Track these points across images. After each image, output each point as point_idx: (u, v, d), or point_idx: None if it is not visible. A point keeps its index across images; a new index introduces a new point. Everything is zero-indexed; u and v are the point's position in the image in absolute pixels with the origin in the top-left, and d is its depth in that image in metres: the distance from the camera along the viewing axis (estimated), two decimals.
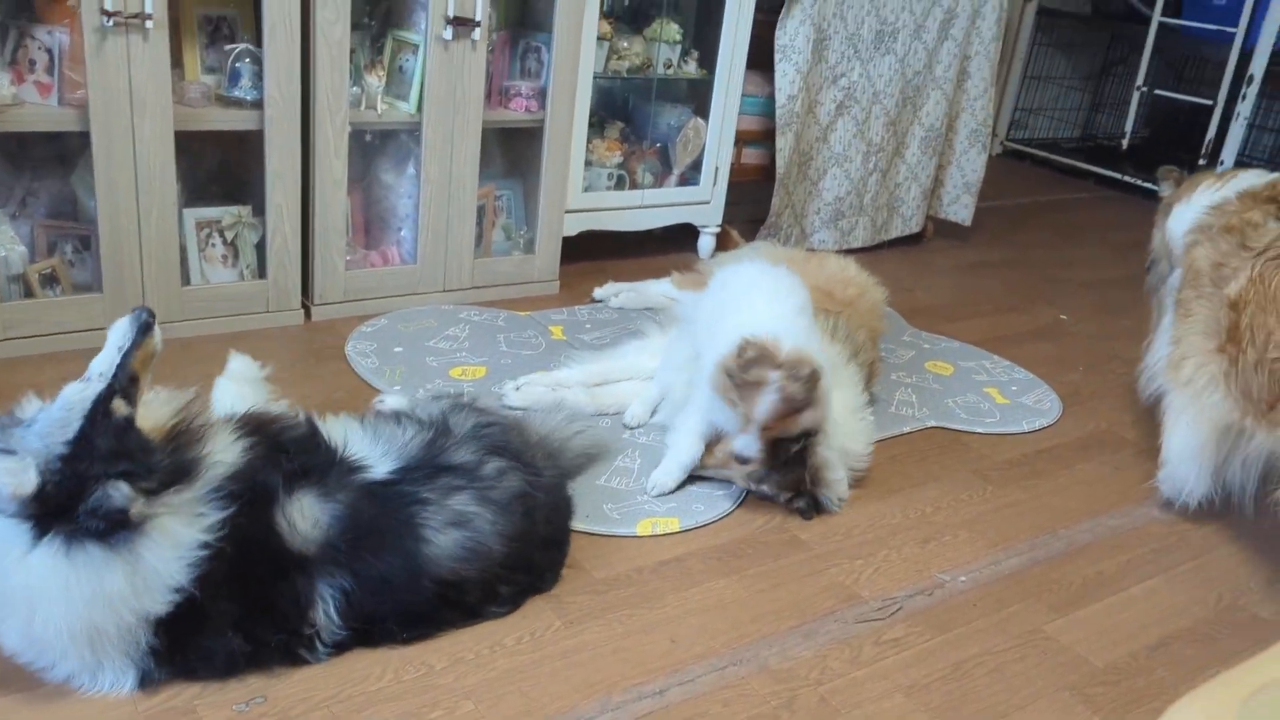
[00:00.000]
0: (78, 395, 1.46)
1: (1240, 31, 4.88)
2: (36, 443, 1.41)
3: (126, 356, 1.52)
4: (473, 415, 1.85)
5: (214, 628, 1.51)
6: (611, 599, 1.85)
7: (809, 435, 2.07)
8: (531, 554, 1.78)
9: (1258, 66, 4.83)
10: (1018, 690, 1.75)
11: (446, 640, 1.69)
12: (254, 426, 1.67)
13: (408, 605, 1.64)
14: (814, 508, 2.16)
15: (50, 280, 2.45)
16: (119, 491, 1.40)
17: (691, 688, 1.67)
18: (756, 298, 2.22)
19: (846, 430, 2.23)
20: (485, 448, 1.76)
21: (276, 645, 1.56)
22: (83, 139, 2.35)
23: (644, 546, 2.01)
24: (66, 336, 2.43)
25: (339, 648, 1.62)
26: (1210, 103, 5.07)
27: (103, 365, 1.52)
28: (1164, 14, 5.19)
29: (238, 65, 2.50)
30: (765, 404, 2.01)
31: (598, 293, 3.16)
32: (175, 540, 1.46)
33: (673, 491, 2.17)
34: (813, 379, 2.01)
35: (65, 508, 1.39)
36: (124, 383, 1.50)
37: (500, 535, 1.69)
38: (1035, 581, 2.06)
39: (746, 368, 2.02)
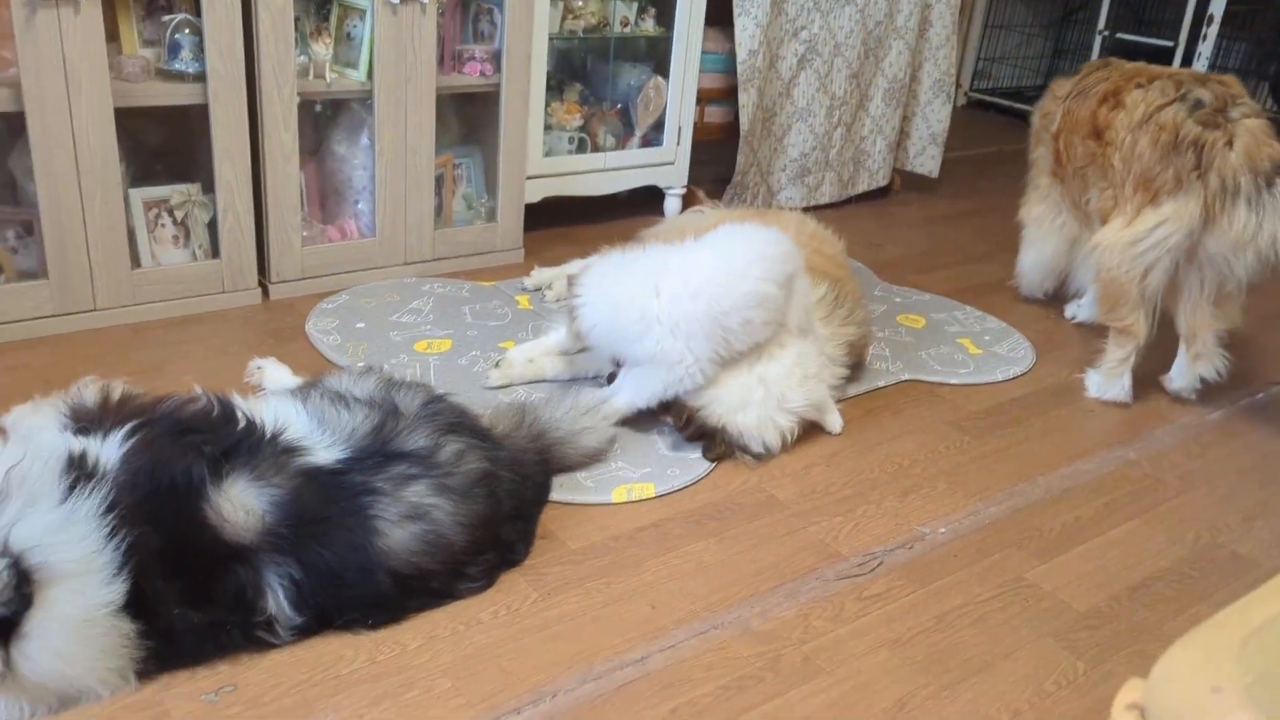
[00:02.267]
0: None
1: None
2: None
3: None
4: (418, 392, 1.78)
5: (166, 612, 1.45)
6: (588, 568, 1.81)
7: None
8: (498, 532, 1.73)
9: (1217, 6, 4.80)
10: (1001, 639, 1.74)
11: (420, 619, 1.65)
12: (129, 412, 1.59)
13: (366, 595, 1.57)
14: (715, 448, 2.17)
15: None
16: None
17: (673, 653, 1.64)
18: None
19: (788, 382, 2.20)
20: (439, 428, 1.69)
21: (231, 629, 1.50)
22: (17, 120, 2.25)
23: (620, 513, 1.98)
24: (11, 326, 2.35)
25: (304, 631, 1.57)
26: (1171, 44, 5.05)
27: None
28: None
29: (177, 37, 2.41)
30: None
31: (526, 282, 2.89)
32: (76, 566, 1.38)
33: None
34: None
35: None
36: None
37: (461, 525, 1.63)
38: (1015, 529, 2.04)
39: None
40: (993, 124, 5.63)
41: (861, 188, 3.97)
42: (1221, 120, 2.35)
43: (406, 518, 1.58)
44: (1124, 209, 2.46)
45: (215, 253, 2.59)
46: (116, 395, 1.71)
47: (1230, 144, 2.32)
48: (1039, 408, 2.54)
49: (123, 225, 2.42)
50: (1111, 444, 2.40)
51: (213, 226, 2.58)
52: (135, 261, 2.49)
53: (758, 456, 2.17)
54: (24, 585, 1.34)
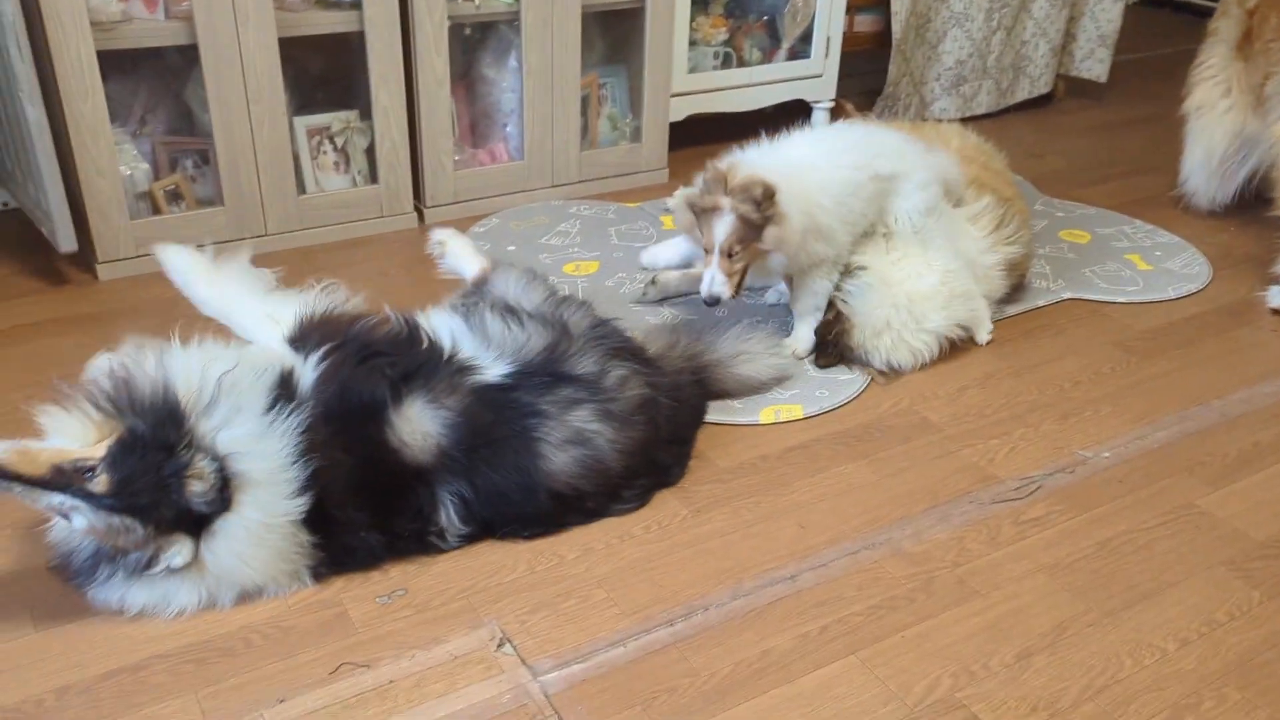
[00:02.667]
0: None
1: None
2: None
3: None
4: (585, 312, 1.81)
5: (348, 530, 1.55)
6: (738, 486, 1.83)
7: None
8: (655, 456, 1.76)
9: None
10: (1169, 567, 1.67)
11: (576, 531, 1.71)
12: (327, 331, 1.66)
13: (527, 512, 1.64)
14: (831, 355, 2.16)
15: (174, 196, 2.51)
16: (199, 481, 1.44)
17: (824, 572, 1.65)
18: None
19: (931, 303, 2.14)
20: (606, 353, 1.72)
21: (409, 536, 1.60)
22: (191, 52, 2.36)
23: (768, 434, 1.98)
24: None
25: (469, 539, 1.65)
26: None
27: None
28: None
29: None
30: (720, 229, 1.97)
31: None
32: (266, 477, 1.48)
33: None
34: (766, 196, 1.94)
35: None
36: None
37: (620, 452, 1.67)
38: (1185, 455, 1.95)
39: (702, 194, 1.99)
40: (1169, 23, 5.22)
41: (1021, 96, 3.77)
42: None
43: (569, 442, 1.64)
44: None
45: (373, 178, 2.68)
46: (323, 311, 1.78)
47: None
48: (1214, 327, 2.39)
49: (289, 152, 2.53)
50: None
51: (370, 152, 2.66)
52: (301, 188, 2.60)
53: (882, 374, 2.14)
54: (226, 489, 1.45)
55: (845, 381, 2.13)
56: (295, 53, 2.54)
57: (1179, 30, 5.08)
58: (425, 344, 1.68)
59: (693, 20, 3.14)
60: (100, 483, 1.41)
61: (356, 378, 1.59)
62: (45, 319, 2.27)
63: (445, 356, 1.66)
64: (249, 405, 1.51)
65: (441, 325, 1.73)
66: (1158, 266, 2.66)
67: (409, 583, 1.60)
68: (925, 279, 2.14)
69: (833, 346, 2.15)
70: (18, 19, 2.08)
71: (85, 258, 2.45)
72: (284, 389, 1.55)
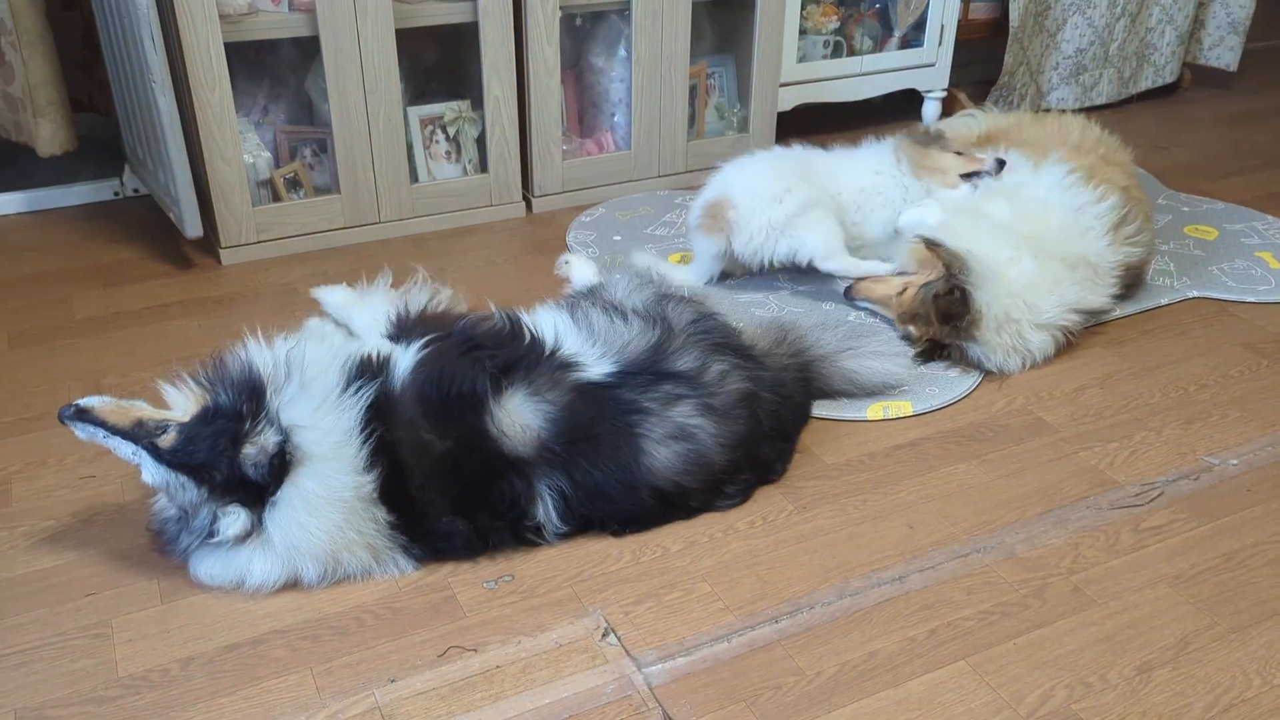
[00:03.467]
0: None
1: None
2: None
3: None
4: (688, 308, 1.80)
5: (427, 512, 1.57)
6: (844, 484, 1.81)
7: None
8: (757, 451, 1.75)
9: None
10: None
11: (680, 524, 1.70)
12: (429, 325, 1.69)
13: (628, 510, 1.64)
14: (937, 354, 2.12)
15: (294, 184, 2.58)
16: (252, 446, 1.50)
17: (933, 574, 1.61)
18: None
19: (1029, 296, 2.09)
20: (707, 348, 1.71)
21: (502, 528, 1.61)
22: (312, 44, 2.43)
23: (876, 431, 1.95)
24: (311, 238, 2.57)
25: (567, 536, 1.66)
26: None
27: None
28: None
29: None
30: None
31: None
32: (328, 451, 1.53)
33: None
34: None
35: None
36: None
37: (723, 445, 1.66)
38: None
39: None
40: None
41: (1145, 85, 3.62)
42: None
43: (671, 437, 1.63)
44: None
45: (483, 167, 2.72)
46: (427, 308, 1.85)
47: None
48: None
49: (402, 142, 2.58)
50: None
51: (481, 142, 2.70)
52: (414, 176, 2.66)
53: (993, 374, 2.10)
54: (280, 459, 1.51)
55: (955, 379, 2.09)
56: (411, 43, 2.59)
57: None
58: (529, 339, 1.69)
59: (804, 9, 3.11)
60: (166, 439, 1.50)
61: (457, 366, 1.61)
62: (174, 301, 2.37)
63: (548, 352, 1.67)
64: (318, 383, 1.57)
65: (546, 321, 1.75)
66: None
67: (515, 569, 1.62)
68: (1019, 265, 2.09)
69: (952, 335, 2.09)
70: (151, 11, 2.17)
71: (209, 243, 2.54)
72: (367, 371, 1.59)
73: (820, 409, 1.98)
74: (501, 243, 2.65)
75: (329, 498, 1.52)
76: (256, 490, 1.51)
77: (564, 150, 2.80)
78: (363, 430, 1.54)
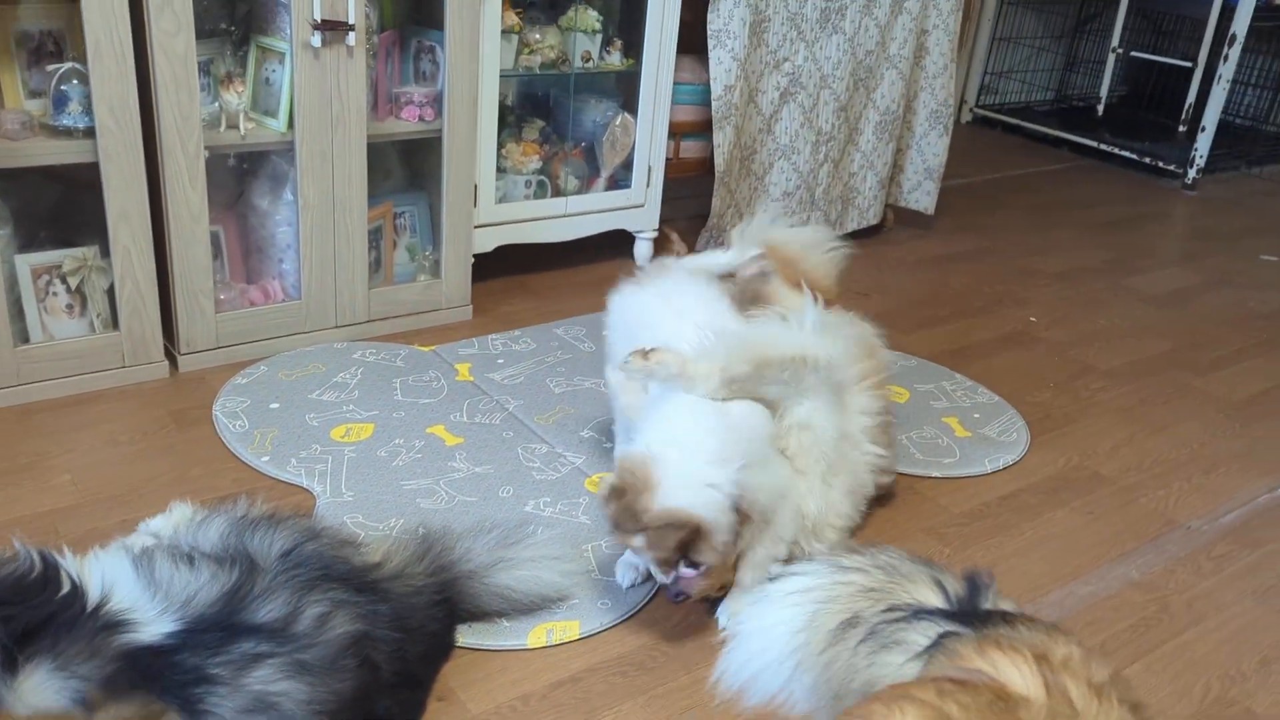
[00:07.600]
0: None
1: None
2: None
3: None
4: (279, 533, 1.50)
5: None
6: None
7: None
8: (372, 710, 1.46)
9: (1240, 25, 4.49)
10: None
11: None
12: None
13: None
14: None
15: None
16: None
17: None
18: None
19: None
20: (301, 586, 1.41)
21: None
22: None
23: (537, 663, 1.71)
24: None
25: None
26: (1190, 64, 4.74)
27: None
28: None
29: (64, 88, 2.15)
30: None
31: None
32: None
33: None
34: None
35: None
36: None
37: (320, 713, 1.37)
38: None
39: None
40: (999, 144, 5.32)
41: (851, 227, 3.69)
42: None
43: (247, 711, 1.32)
44: None
45: (115, 323, 2.34)
46: None
47: None
48: (1030, 510, 2.26)
49: (4, 296, 2.16)
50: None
51: (112, 294, 2.32)
52: (23, 336, 2.24)
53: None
54: None
55: (627, 591, 1.89)
56: (20, 183, 2.20)
57: (1008, 152, 5.18)
58: (66, 589, 1.34)
59: (503, 147, 2.94)
60: None
61: None
62: None
63: (90, 609, 1.33)
64: None
65: (98, 567, 1.40)
66: (976, 433, 2.53)
67: None
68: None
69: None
70: None
71: None
72: None
73: (472, 636, 1.72)
74: (132, 413, 2.27)
75: None
76: None
77: (222, 300, 2.47)
78: None
